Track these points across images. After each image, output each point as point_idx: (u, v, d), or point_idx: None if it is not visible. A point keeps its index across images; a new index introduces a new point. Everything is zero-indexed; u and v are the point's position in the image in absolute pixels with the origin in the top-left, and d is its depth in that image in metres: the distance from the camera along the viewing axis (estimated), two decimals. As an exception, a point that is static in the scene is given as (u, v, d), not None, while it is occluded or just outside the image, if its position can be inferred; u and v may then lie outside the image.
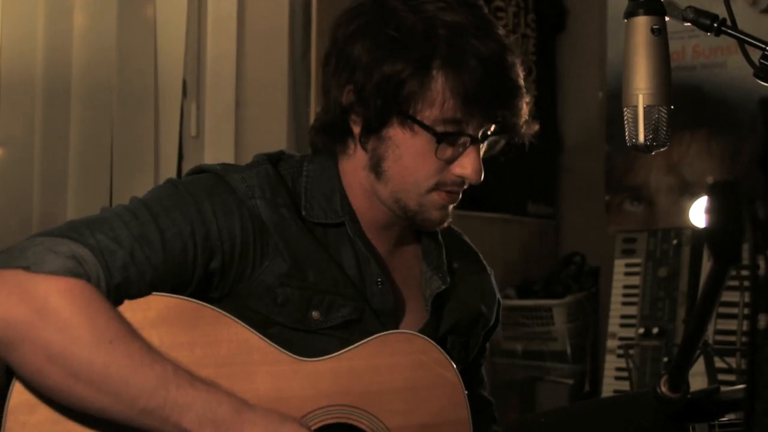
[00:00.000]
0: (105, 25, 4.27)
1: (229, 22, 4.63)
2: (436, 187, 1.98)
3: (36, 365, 1.75)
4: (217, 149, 4.59)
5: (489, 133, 1.98)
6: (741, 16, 1.84)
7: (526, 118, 1.99)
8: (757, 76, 1.78)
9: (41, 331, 1.73)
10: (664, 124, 1.81)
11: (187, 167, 4.48)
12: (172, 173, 4.42)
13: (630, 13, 1.83)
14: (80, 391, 1.75)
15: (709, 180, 4.29)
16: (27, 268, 1.75)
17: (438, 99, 1.92)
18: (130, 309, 1.83)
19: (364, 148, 2.00)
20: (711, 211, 0.98)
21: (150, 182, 4.33)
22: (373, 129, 1.97)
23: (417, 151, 1.95)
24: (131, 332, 1.79)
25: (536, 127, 2.02)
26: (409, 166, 1.96)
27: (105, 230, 1.83)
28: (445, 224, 2.06)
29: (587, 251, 5.01)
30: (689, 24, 1.81)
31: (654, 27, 1.81)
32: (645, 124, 1.80)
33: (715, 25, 1.80)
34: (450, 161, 1.96)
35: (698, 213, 4.17)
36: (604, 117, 4.78)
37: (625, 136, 1.84)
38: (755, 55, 1.79)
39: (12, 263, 1.76)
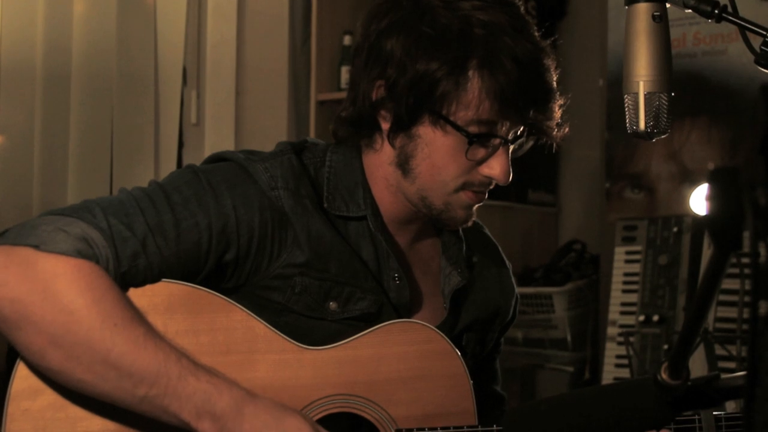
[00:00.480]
0: (105, 12, 4.27)
1: (229, 10, 4.63)
2: (463, 187, 1.96)
3: (38, 346, 1.74)
4: (217, 137, 4.59)
5: (518, 134, 1.96)
6: (742, 3, 1.84)
7: (558, 120, 1.98)
8: (757, 62, 1.77)
9: (45, 312, 1.73)
10: (665, 111, 1.80)
11: (187, 155, 4.49)
12: (173, 161, 4.43)
13: (631, 0, 1.83)
14: (81, 374, 1.75)
15: (710, 167, 4.29)
16: (37, 247, 1.74)
17: (473, 101, 1.90)
18: (135, 295, 1.83)
19: (392, 144, 1.98)
20: (711, 197, 0.98)
21: (150, 169, 4.33)
22: (403, 126, 1.95)
23: (447, 150, 1.93)
24: (137, 317, 1.79)
25: (566, 130, 2.00)
26: (437, 165, 1.94)
27: (120, 215, 1.82)
28: (469, 223, 2.04)
29: (587, 239, 5.01)
30: (690, 11, 1.81)
31: (655, 14, 1.81)
32: (646, 111, 1.80)
33: (716, 11, 1.79)
34: (480, 162, 1.94)
35: (699, 200, 4.17)
36: (605, 104, 4.77)
37: (625, 124, 1.84)
38: (756, 41, 1.78)
39: (22, 240, 1.75)
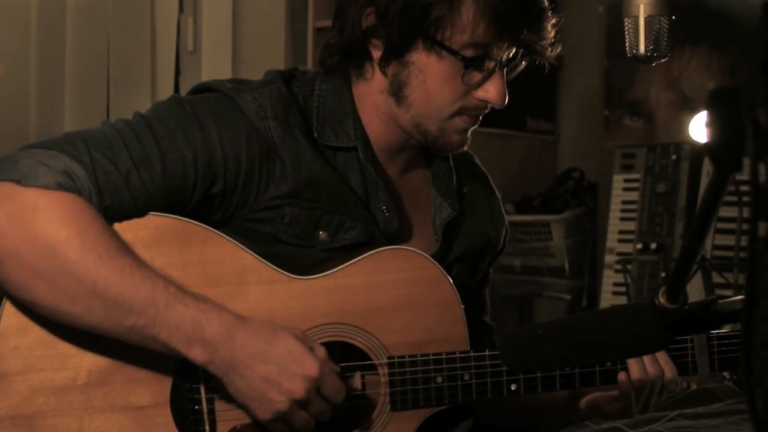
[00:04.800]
0: (100, -63, 4.22)
1: (225, -65, 4.59)
2: (459, 112, 1.95)
3: (22, 280, 1.72)
4: (214, 64, 4.57)
5: (512, 56, 1.95)
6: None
7: (551, 39, 1.96)
8: (759, -15, 1.75)
9: (27, 245, 1.70)
10: (665, 35, 1.79)
11: (184, 82, 4.47)
12: (169, 88, 4.40)
13: None
14: (67, 307, 1.72)
15: (710, 86, 4.28)
16: (18, 182, 1.71)
17: (468, 24, 1.87)
18: (122, 228, 1.80)
19: (384, 73, 1.95)
20: (711, 117, 0.97)
21: (147, 97, 4.31)
22: (396, 53, 1.92)
23: (442, 76, 1.91)
24: (122, 247, 1.76)
25: (559, 49, 1.98)
26: (432, 92, 1.92)
27: (102, 148, 1.79)
28: (464, 147, 2.03)
29: (586, 167, 5.01)
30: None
31: (656, -64, 1.79)
32: (646, 35, 1.79)
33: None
34: (475, 86, 1.93)
35: (698, 128, 4.16)
36: (604, 31, 4.75)
37: (625, 50, 1.82)
38: (758, -36, 1.76)
39: (2, 175, 1.72)
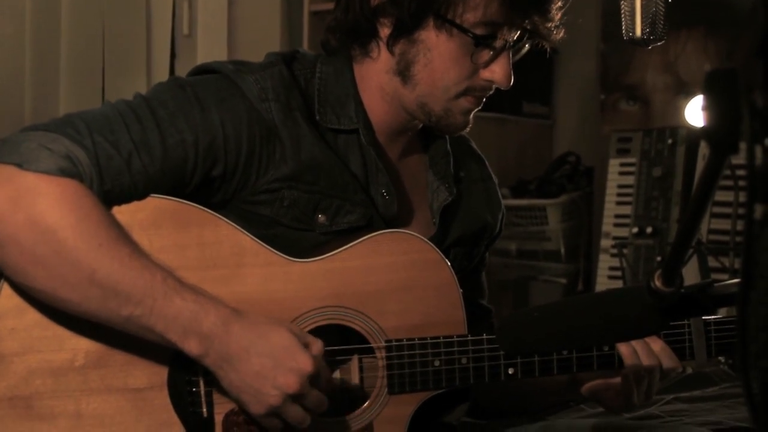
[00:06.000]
0: None
1: None
2: (465, 92, 1.95)
3: (20, 266, 1.72)
4: (209, 48, 4.56)
5: (515, 38, 1.95)
6: None
7: (557, 23, 1.96)
8: (757, -32, 1.75)
9: (28, 232, 1.70)
10: (662, 18, 1.79)
11: (179, 66, 4.46)
12: (165, 72, 4.40)
13: None
14: (65, 294, 1.72)
15: (706, 70, 4.28)
16: (19, 165, 1.71)
17: (481, 2, 1.88)
18: (120, 211, 1.80)
19: (391, 52, 1.95)
20: (707, 100, 0.97)
21: (142, 81, 4.30)
22: (405, 32, 1.92)
23: (450, 55, 1.91)
24: (122, 237, 1.76)
25: (562, 33, 1.98)
26: (439, 71, 1.92)
27: (104, 131, 1.79)
28: (467, 129, 2.03)
29: (582, 151, 5.01)
30: None
31: None
32: (642, 18, 1.78)
33: None
34: (482, 66, 1.93)
35: (694, 112, 4.16)
36: (600, 15, 4.74)
37: (621, 34, 1.82)
38: (755, -53, 1.76)
39: (4, 158, 1.72)
